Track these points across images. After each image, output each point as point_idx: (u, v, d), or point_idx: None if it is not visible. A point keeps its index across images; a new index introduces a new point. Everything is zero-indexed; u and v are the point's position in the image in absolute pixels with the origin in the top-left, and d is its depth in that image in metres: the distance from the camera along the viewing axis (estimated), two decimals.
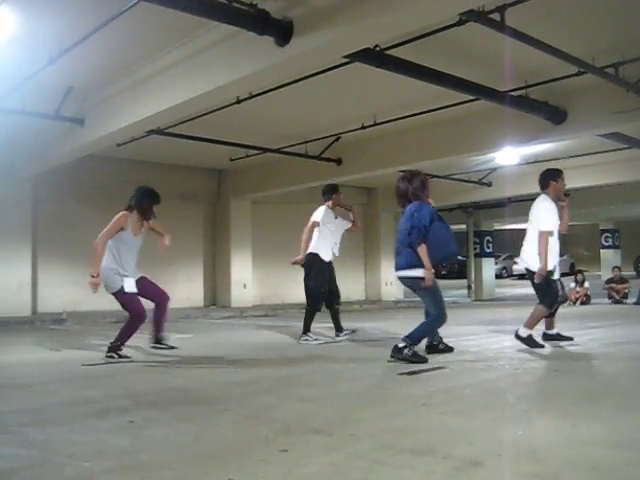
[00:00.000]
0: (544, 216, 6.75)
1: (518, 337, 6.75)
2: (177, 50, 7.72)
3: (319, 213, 8.05)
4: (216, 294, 16.14)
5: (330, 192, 8.25)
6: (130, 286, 6.32)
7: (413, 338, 5.83)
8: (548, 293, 6.75)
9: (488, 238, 21.62)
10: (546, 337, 7.11)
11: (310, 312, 7.78)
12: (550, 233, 6.71)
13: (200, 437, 3.31)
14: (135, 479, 2.66)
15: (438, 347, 6.35)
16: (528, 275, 6.91)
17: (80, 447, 3.13)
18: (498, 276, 26.62)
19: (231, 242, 15.76)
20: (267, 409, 4.00)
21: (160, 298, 6.64)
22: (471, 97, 9.40)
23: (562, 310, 6.88)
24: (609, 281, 16.93)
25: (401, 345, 5.77)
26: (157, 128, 10.55)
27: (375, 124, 11.07)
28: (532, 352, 6.43)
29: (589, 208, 18.88)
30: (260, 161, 14.00)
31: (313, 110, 10.95)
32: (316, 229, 7.95)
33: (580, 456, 2.85)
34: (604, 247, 29.28)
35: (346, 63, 7.75)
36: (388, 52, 7.34)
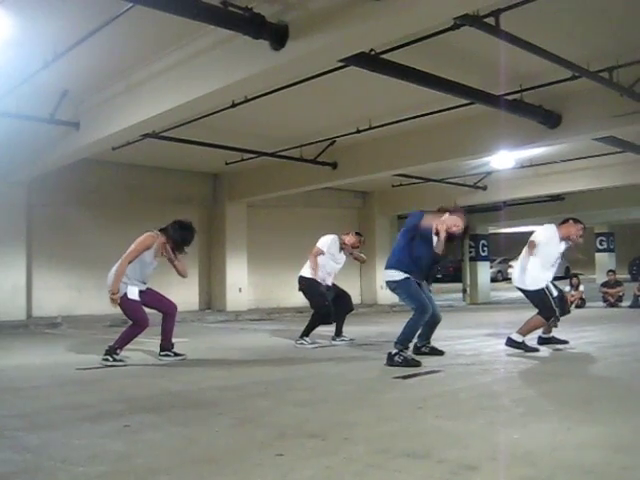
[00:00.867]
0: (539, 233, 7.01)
1: (510, 342, 6.76)
2: (172, 54, 7.71)
3: (326, 241, 8.04)
4: (211, 298, 16.11)
5: (352, 235, 8.27)
6: (133, 294, 6.30)
7: (402, 341, 5.89)
8: (544, 307, 6.81)
9: (483, 242, 21.64)
10: (542, 340, 7.14)
11: (316, 320, 7.79)
12: (535, 246, 6.88)
13: (195, 441, 3.31)
14: None
15: (422, 350, 6.40)
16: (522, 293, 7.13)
17: (74, 451, 3.11)
18: (493, 280, 26.62)
19: (226, 246, 15.74)
20: (262, 413, 3.99)
21: (167, 308, 6.61)
22: (466, 101, 9.42)
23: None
24: (604, 285, 16.97)
25: (393, 352, 5.83)
26: (152, 132, 10.53)
27: (370, 128, 11.08)
28: (527, 356, 6.44)
29: (584, 212, 18.87)
30: (255, 165, 14.00)
31: (308, 114, 10.96)
32: (317, 255, 7.97)
33: (575, 460, 2.85)
34: (599, 251, 29.31)
35: (341, 67, 7.76)
36: (383, 56, 7.35)
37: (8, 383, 5.38)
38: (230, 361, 6.63)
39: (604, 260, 28.32)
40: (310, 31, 6.07)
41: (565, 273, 26.40)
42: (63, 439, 3.37)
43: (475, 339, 8.25)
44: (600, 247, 29.36)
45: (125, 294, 6.26)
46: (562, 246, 7.02)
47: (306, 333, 7.74)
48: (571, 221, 7.14)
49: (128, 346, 6.48)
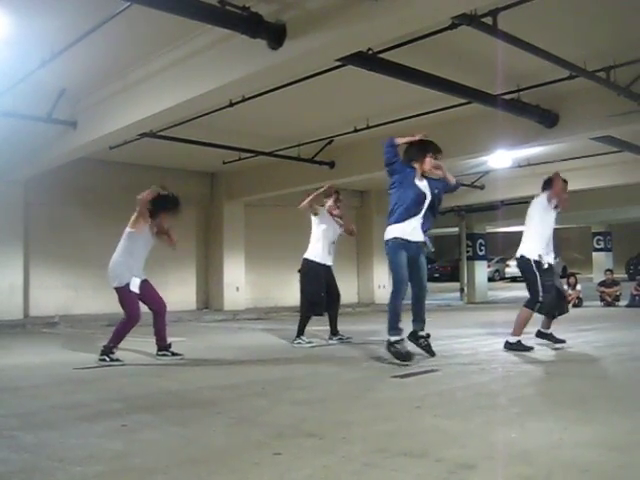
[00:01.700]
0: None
1: (508, 345, 6.75)
2: (170, 53, 7.71)
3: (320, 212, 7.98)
4: (209, 297, 16.11)
5: (325, 195, 8.17)
6: (135, 286, 6.32)
7: (388, 328, 5.89)
8: (531, 289, 6.75)
9: (481, 241, 21.66)
10: (540, 334, 7.08)
11: (304, 313, 7.75)
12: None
13: (193, 440, 3.31)
14: None
15: (419, 340, 6.19)
16: (519, 266, 7.01)
17: (72, 451, 3.11)
18: (491, 279, 26.68)
19: (224, 245, 15.74)
20: (260, 412, 3.99)
21: (157, 306, 6.59)
22: (463, 100, 9.43)
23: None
24: (601, 284, 16.99)
25: (391, 339, 5.84)
26: (150, 131, 10.53)
27: (368, 127, 11.09)
28: (524, 355, 6.44)
29: (581, 211, 18.93)
30: (253, 164, 14.00)
31: (306, 113, 10.96)
32: (313, 233, 7.92)
33: (572, 458, 2.86)
34: (596, 250, 29.38)
35: (339, 66, 7.77)
36: (381, 55, 7.36)
37: (5, 382, 5.37)
38: (227, 360, 6.63)
39: (601, 259, 28.39)
40: (308, 30, 6.07)
41: (562, 272, 26.46)
42: (60, 438, 3.36)
43: (472, 338, 8.26)
44: (597, 246, 29.42)
45: (127, 284, 6.26)
46: (553, 212, 6.94)
47: (300, 331, 7.67)
48: (554, 178, 6.96)
49: (125, 346, 6.48)
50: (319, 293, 7.65)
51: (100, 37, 7.00)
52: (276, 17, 6.24)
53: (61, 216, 13.48)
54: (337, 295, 7.93)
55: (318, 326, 8.08)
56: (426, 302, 6.24)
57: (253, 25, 6.12)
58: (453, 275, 27.63)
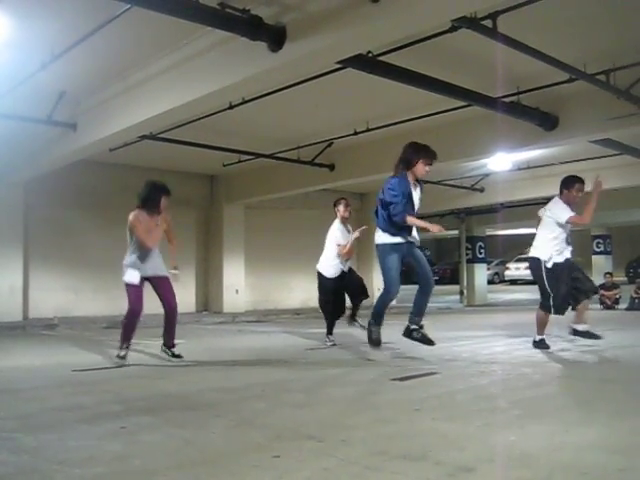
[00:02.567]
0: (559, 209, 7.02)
1: (535, 344, 6.93)
2: (170, 55, 7.71)
3: (335, 234, 8.01)
4: (208, 299, 16.10)
5: (334, 204, 8.25)
6: (130, 277, 6.27)
7: (372, 314, 6.34)
8: (540, 289, 6.81)
9: (480, 244, 21.66)
10: (573, 332, 7.16)
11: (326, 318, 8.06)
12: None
13: (192, 443, 3.30)
14: None
15: (412, 333, 6.29)
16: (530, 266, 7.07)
17: (71, 453, 3.11)
18: (490, 282, 26.67)
19: (223, 247, 15.74)
20: (259, 415, 3.99)
21: (167, 305, 6.51)
22: (463, 103, 9.44)
23: (553, 316, 6.88)
24: (601, 287, 16.97)
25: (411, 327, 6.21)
26: (149, 133, 10.53)
27: (368, 130, 11.10)
28: (524, 358, 6.44)
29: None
30: (253, 166, 14.00)
31: (306, 116, 10.97)
32: (327, 245, 8.04)
33: (572, 461, 2.85)
34: (596, 253, 29.35)
35: (339, 69, 7.78)
36: (381, 58, 7.37)
37: (5, 384, 5.36)
38: (227, 363, 6.62)
39: (601, 262, 28.34)
40: (308, 33, 6.08)
41: None
42: (60, 441, 3.36)
43: (472, 341, 8.25)
44: (597, 249, 29.38)
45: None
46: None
47: (329, 331, 7.96)
48: (568, 184, 7.18)
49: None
50: (325, 302, 8.02)
51: (100, 39, 7.00)
52: (276, 19, 6.25)
53: (61, 218, 13.47)
54: (360, 284, 8.19)
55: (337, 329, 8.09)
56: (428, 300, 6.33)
57: (253, 27, 6.12)
58: (453, 278, 27.64)
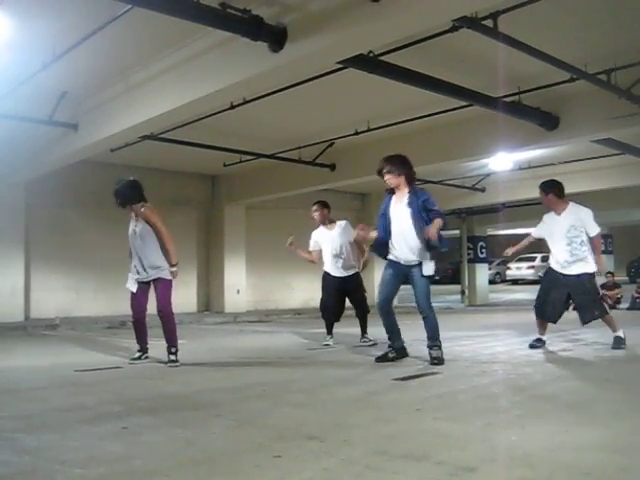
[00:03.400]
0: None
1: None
2: (171, 55, 7.72)
3: (312, 238, 8.24)
4: (209, 299, 16.11)
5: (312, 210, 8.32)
6: (128, 284, 6.39)
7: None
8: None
9: (482, 243, 21.64)
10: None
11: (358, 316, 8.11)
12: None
13: (193, 443, 3.30)
14: None
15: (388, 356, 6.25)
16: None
17: (72, 453, 3.11)
18: (492, 282, 26.66)
19: (225, 247, 15.74)
20: (260, 415, 3.99)
21: (157, 308, 6.39)
22: (464, 103, 9.43)
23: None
24: (602, 286, 16.94)
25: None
26: (151, 133, 10.54)
27: (369, 130, 11.09)
28: (525, 358, 6.43)
29: None
30: (254, 167, 13.99)
31: (307, 116, 10.96)
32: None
33: (573, 461, 2.85)
34: None
35: (340, 69, 7.77)
36: (382, 58, 7.37)
37: (6, 385, 5.37)
38: (228, 363, 6.62)
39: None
40: (309, 33, 6.07)
41: None
42: (61, 441, 3.36)
43: (473, 340, 8.24)
44: None
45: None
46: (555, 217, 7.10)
47: (363, 330, 8.04)
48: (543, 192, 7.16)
49: (125, 347, 6.47)
50: (323, 302, 8.06)
51: (101, 40, 7.00)
52: (277, 20, 6.25)
53: (62, 218, 13.48)
54: (358, 301, 8.10)
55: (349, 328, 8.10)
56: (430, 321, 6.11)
57: (254, 28, 6.12)
58: (454, 278, 27.60)
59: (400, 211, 6.06)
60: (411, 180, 6.19)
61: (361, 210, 18.85)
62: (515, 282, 31.25)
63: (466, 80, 8.55)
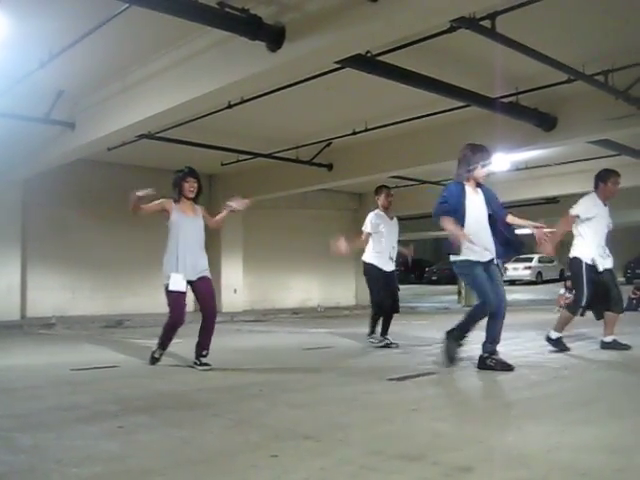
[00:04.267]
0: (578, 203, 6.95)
1: (549, 340, 6.93)
2: (169, 54, 7.71)
3: (367, 221, 7.76)
4: None
5: (376, 192, 8.00)
6: (175, 284, 5.82)
7: (457, 328, 5.99)
8: (576, 287, 6.92)
9: None
10: (604, 345, 7.05)
11: (373, 315, 7.68)
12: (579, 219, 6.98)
13: (190, 442, 3.30)
14: None
15: (485, 361, 5.87)
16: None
17: (68, 452, 3.10)
18: None
19: (222, 247, 15.73)
20: (257, 414, 3.98)
21: (205, 311, 6.19)
22: (462, 103, 9.44)
23: (553, 315, 6.89)
24: None
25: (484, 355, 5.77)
26: (148, 132, 10.53)
27: (366, 130, 11.10)
28: (521, 358, 6.43)
29: None
30: (251, 166, 14.00)
31: (304, 115, 10.97)
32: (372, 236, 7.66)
33: (570, 462, 2.85)
34: None
35: (338, 69, 7.78)
36: (379, 58, 7.37)
37: (2, 383, 5.35)
38: (225, 362, 6.61)
39: None
40: (307, 33, 6.08)
41: (560, 275, 26.46)
42: (57, 440, 3.35)
43: (470, 341, 8.23)
44: None
45: (167, 285, 5.85)
46: (606, 210, 7.01)
47: (372, 330, 7.59)
48: (604, 177, 7.18)
49: (125, 347, 6.45)
50: (377, 294, 7.57)
51: (99, 38, 7.00)
52: (275, 19, 6.25)
53: (59, 217, 13.47)
54: (396, 298, 7.70)
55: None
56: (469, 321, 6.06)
57: (252, 27, 6.12)
58: (451, 278, 27.62)
59: (478, 204, 5.94)
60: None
61: (358, 210, 18.83)
62: (512, 282, 31.26)
63: (464, 80, 8.56)
